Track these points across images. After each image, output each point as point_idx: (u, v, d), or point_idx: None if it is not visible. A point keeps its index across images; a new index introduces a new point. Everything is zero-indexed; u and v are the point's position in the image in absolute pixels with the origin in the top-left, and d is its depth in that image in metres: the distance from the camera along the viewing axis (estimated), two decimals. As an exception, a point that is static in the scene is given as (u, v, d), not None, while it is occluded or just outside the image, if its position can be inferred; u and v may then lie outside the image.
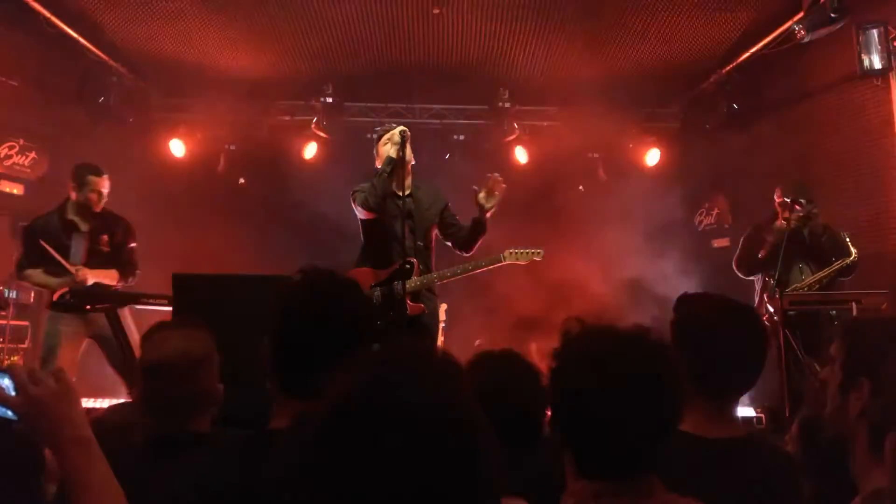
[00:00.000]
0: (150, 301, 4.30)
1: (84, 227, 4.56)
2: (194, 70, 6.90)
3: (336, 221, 7.36)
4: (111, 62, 6.52)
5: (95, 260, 4.53)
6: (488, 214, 3.76)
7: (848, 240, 4.55)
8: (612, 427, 1.14)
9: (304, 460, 0.71)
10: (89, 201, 4.53)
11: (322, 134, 7.40)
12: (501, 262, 3.83)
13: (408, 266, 3.48)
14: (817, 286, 4.49)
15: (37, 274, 4.46)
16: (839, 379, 1.30)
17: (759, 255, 4.66)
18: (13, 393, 1.10)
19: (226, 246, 7.63)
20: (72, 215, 4.55)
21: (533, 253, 3.89)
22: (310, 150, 7.51)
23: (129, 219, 4.90)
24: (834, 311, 4.31)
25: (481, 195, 3.74)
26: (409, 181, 3.67)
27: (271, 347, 1.43)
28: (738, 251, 5.04)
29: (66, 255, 4.41)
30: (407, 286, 3.45)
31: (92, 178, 4.56)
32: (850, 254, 4.50)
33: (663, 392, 1.16)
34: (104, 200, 4.61)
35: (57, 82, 6.42)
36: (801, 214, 4.42)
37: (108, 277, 4.54)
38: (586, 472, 1.19)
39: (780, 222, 4.59)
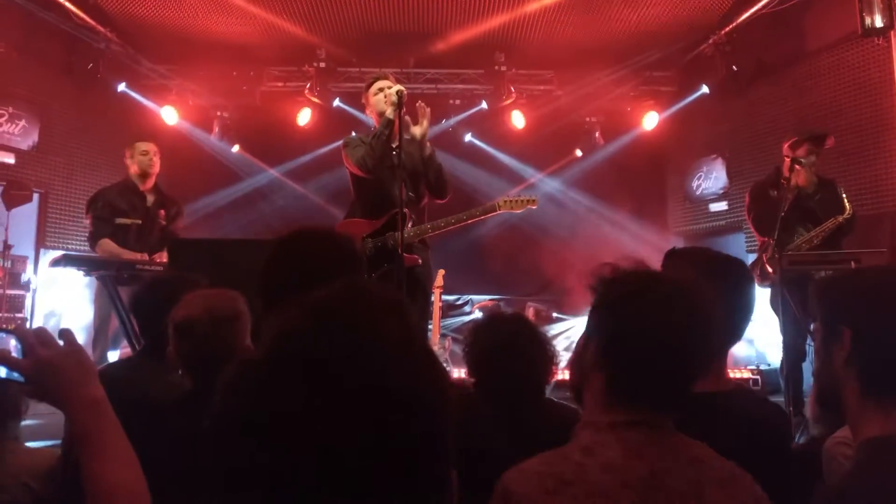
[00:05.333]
0: (147, 268, 4.29)
1: (150, 199, 4.82)
2: (184, 35, 6.78)
3: (330, 186, 7.35)
4: (99, 27, 6.39)
5: (154, 233, 4.78)
6: (428, 145, 3.66)
7: (844, 196, 4.37)
8: (659, 359, 1.17)
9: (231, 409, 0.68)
10: (142, 165, 4.75)
11: (315, 100, 7.31)
12: (496, 210, 3.72)
13: (398, 217, 3.41)
14: (807, 247, 4.33)
15: (109, 244, 4.59)
16: (821, 335, 1.31)
17: (782, 214, 4.25)
18: (20, 354, 1.07)
19: (221, 212, 7.63)
20: (140, 187, 4.79)
21: (527, 200, 3.75)
22: (303, 117, 7.43)
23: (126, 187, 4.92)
24: (825, 272, 4.19)
25: (414, 128, 3.61)
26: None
27: (259, 297, 1.46)
28: (752, 211, 4.72)
29: (138, 229, 4.69)
30: (398, 237, 3.40)
31: (137, 143, 4.79)
32: (843, 210, 4.32)
33: (705, 334, 1.19)
34: (153, 163, 4.80)
35: (44, 48, 6.31)
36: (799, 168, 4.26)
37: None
38: (618, 401, 1.20)
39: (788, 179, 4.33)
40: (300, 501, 0.64)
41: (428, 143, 3.69)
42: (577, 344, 1.35)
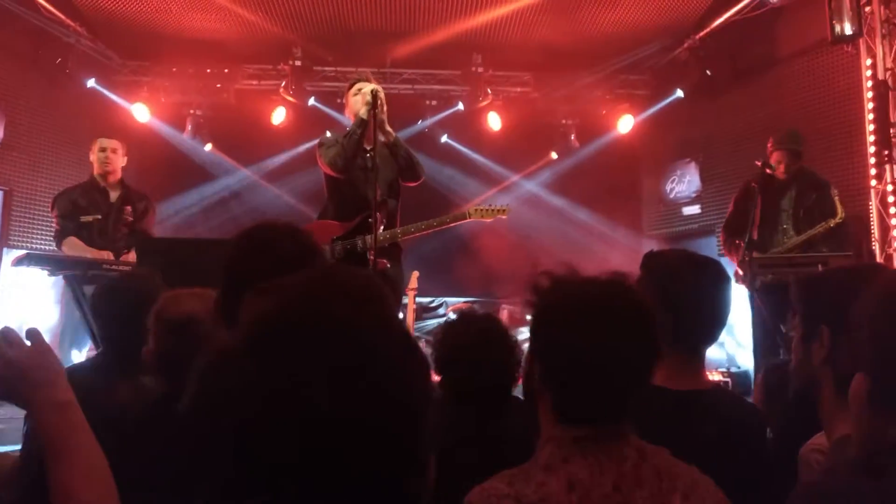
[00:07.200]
0: (114, 267, 4.20)
1: (113, 195, 4.70)
2: (157, 31, 6.66)
3: (304, 186, 7.28)
4: (68, 21, 6.25)
5: (120, 230, 4.66)
6: (388, 129, 3.61)
7: (836, 198, 4.34)
8: (598, 373, 1.15)
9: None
10: (98, 163, 4.65)
11: (290, 98, 7.24)
12: (466, 218, 3.71)
13: (370, 220, 3.38)
14: (798, 251, 4.34)
15: (75, 242, 4.49)
16: (801, 331, 1.32)
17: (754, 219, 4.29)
18: None
19: (193, 212, 7.52)
20: (101, 184, 4.69)
21: (498, 210, 3.75)
22: (278, 116, 7.36)
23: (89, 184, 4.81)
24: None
25: (362, 111, 3.55)
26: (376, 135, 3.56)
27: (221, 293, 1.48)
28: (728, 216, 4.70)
29: (100, 225, 4.57)
30: (368, 241, 3.38)
31: (99, 140, 4.68)
32: (835, 213, 4.29)
33: (645, 338, 1.17)
34: (109, 160, 4.67)
35: (11, 42, 6.15)
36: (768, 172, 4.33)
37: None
38: (569, 418, 1.18)
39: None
40: (288, 489, 0.64)
41: (389, 129, 3.66)
42: (525, 360, 1.33)
